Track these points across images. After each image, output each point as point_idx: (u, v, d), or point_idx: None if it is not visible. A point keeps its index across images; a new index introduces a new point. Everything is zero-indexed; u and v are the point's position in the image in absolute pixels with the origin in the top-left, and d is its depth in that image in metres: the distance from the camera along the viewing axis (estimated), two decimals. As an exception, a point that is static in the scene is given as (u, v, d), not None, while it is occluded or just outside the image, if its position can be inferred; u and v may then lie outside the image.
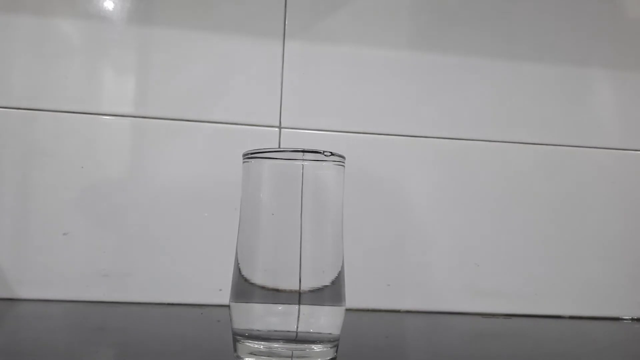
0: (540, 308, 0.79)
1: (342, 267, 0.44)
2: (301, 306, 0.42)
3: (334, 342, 0.44)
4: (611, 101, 0.83)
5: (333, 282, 0.43)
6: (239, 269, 0.43)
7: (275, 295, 0.42)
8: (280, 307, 0.42)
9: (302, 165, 0.43)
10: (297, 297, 0.42)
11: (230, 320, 0.44)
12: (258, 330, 0.42)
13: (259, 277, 0.42)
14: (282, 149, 0.43)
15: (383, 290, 0.76)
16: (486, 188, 0.80)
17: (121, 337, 0.57)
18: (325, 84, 0.76)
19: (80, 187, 0.71)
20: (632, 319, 0.80)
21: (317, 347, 0.43)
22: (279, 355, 0.42)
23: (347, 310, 0.45)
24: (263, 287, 0.42)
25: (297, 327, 0.42)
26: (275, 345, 0.42)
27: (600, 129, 0.82)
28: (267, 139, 0.74)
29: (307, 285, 0.42)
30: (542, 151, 0.81)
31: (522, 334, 0.70)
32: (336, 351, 0.44)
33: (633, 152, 0.82)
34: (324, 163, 0.44)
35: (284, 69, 0.76)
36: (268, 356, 0.42)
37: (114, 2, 0.73)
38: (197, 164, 0.74)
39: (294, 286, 0.42)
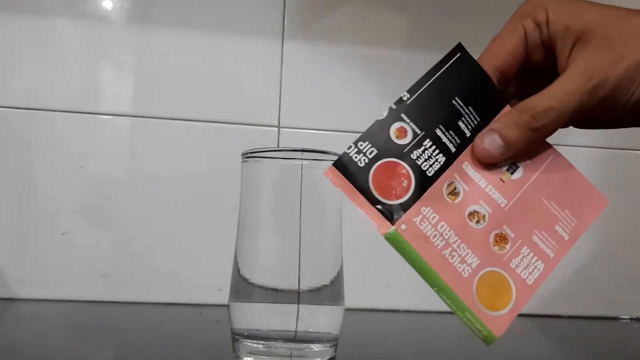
0: (540, 307, 0.79)
1: (341, 266, 0.44)
2: (300, 306, 0.42)
3: (333, 341, 0.44)
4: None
5: (332, 282, 0.43)
6: (238, 269, 0.43)
7: (274, 294, 0.42)
8: (279, 307, 0.42)
9: (301, 164, 0.43)
10: (296, 296, 0.42)
11: (230, 319, 0.44)
12: (257, 330, 0.42)
13: (258, 277, 0.42)
14: (281, 149, 0.43)
15: (382, 289, 0.76)
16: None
17: (121, 337, 0.57)
18: (324, 83, 0.76)
19: (79, 187, 0.71)
20: (631, 319, 0.80)
21: (316, 347, 0.43)
22: (278, 355, 0.42)
23: (346, 309, 0.45)
24: (262, 287, 0.42)
25: (296, 327, 0.42)
26: (275, 344, 0.42)
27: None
28: (266, 139, 0.74)
29: (306, 284, 0.42)
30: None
31: (522, 334, 0.70)
32: (335, 351, 0.44)
33: (633, 151, 0.83)
34: (323, 162, 0.44)
35: (282, 69, 0.75)
36: (267, 355, 0.42)
37: (113, 2, 0.73)
38: (196, 163, 0.74)
39: (293, 286, 0.42)
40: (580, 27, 0.31)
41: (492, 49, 0.35)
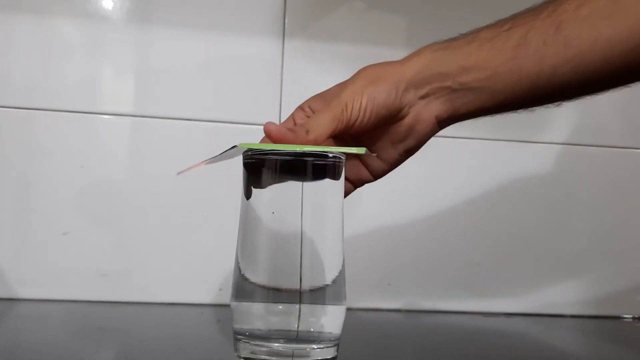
0: (541, 307, 0.79)
1: (343, 266, 0.44)
2: (302, 305, 0.42)
3: (334, 341, 0.44)
4: (610, 101, 0.83)
5: (334, 281, 0.43)
6: (239, 269, 0.43)
7: (275, 294, 0.42)
8: (280, 307, 0.42)
9: (302, 164, 0.43)
10: (297, 296, 0.42)
11: (231, 319, 0.44)
12: (259, 330, 0.42)
13: (259, 277, 0.42)
14: (282, 148, 0.43)
15: (384, 289, 0.76)
16: (486, 187, 0.79)
17: (121, 337, 0.56)
18: (325, 82, 0.76)
19: (79, 187, 0.71)
20: (633, 318, 0.80)
21: (317, 347, 0.42)
22: (279, 355, 0.42)
23: (348, 309, 0.44)
24: (263, 287, 0.42)
25: (298, 327, 0.42)
26: (276, 344, 0.42)
27: (601, 127, 0.82)
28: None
29: (307, 284, 0.42)
30: (541, 150, 0.81)
31: (523, 333, 0.70)
32: (337, 351, 0.44)
33: (633, 150, 0.82)
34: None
35: (283, 68, 0.75)
36: (269, 355, 0.42)
37: (113, 2, 0.73)
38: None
39: (295, 285, 0.42)
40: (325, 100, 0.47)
41: None
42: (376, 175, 0.50)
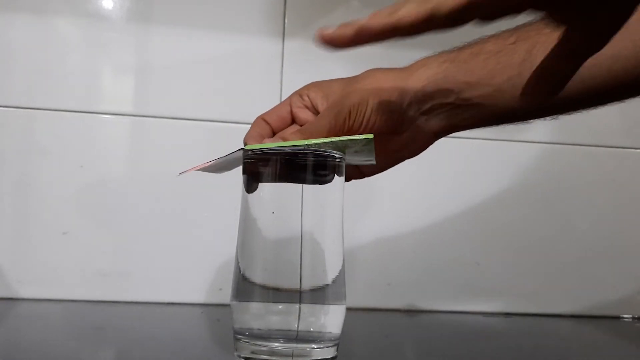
0: (541, 307, 0.79)
1: (343, 265, 0.44)
2: (302, 305, 0.42)
3: (334, 341, 0.44)
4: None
5: (334, 281, 0.43)
6: (239, 268, 0.43)
7: (275, 294, 0.42)
8: (280, 306, 0.42)
9: (303, 163, 0.43)
10: (297, 296, 0.42)
11: (231, 319, 0.44)
12: (259, 330, 0.42)
13: (259, 276, 0.42)
14: (282, 147, 0.43)
15: (383, 289, 0.76)
16: (486, 187, 0.79)
17: (121, 337, 0.56)
18: (325, 82, 0.76)
19: (79, 186, 0.71)
20: (633, 318, 0.80)
21: (317, 347, 0.42)
22: (279, 355, 0.42)
23: (348, 309, 0.44)
24: (263, 286, 0.42)
25: (298, 326, 0.42)
26: (276, 344, 0.42)
27: (601, 127, 0.82)
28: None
29: (307, 284, 0.42)
30: (542, 149, 0.81)
31: (523, 333, 0.70)
32: (336, 350, 0.44)
33: (633, 150, 0.82)
34: (324, 161, 0.44)
35: (283, 67, 0.75)
36: (269, 355, 0.42)
37: (113, 1, 0.73)
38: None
39: (295, 285, 0.42)
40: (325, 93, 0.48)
41: (269, 112, 0.50)
42: (366, 175, 0.51)
